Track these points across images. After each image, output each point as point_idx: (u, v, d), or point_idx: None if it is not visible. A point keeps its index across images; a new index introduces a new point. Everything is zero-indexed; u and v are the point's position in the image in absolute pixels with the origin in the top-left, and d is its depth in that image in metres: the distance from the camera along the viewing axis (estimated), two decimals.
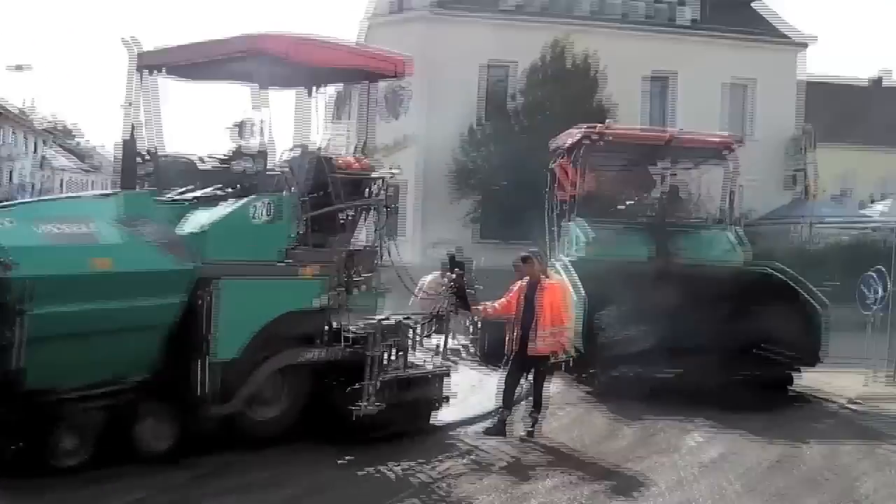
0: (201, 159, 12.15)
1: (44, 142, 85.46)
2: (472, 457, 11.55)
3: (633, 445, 12.46)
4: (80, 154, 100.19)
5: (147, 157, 11.50)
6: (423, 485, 10.27)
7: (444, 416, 13.06)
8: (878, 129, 48.59)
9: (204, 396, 10.17)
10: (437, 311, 13.03)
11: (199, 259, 10.12)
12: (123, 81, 11.44)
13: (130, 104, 11.38)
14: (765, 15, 45.29)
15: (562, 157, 19.87)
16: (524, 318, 12.87)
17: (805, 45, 44.01)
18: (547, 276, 13.56)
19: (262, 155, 10.97)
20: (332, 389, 11.62)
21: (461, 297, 13.14)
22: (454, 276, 13.14)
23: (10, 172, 74.31)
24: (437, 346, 13.21)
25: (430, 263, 27.16)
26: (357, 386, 11.35)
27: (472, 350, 19.75)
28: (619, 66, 37.03)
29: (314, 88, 13.69)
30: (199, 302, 10.11)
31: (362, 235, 12.82)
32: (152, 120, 11.90)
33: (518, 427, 12.79)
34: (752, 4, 45.79)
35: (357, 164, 12.50)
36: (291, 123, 13.32)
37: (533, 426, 12.76)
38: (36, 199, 11.31)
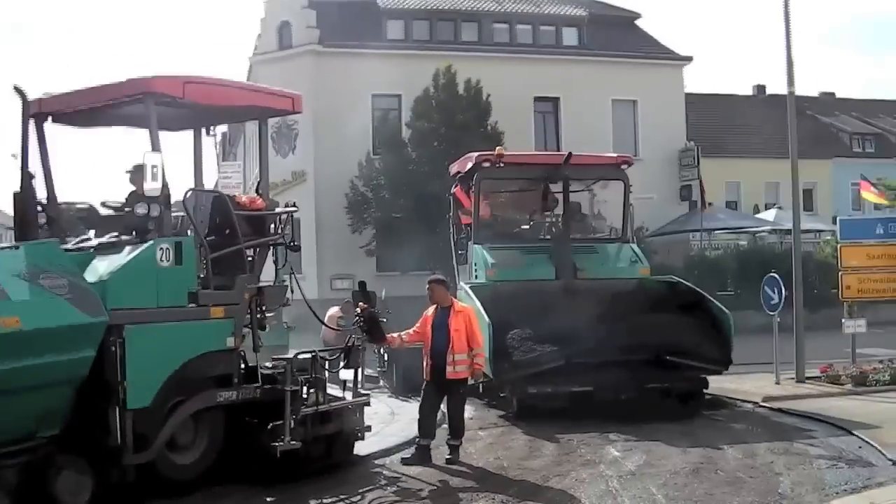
0: (103, 204, 11.92)
1: None
2: (397, 486, 11.48)
3: (554, 462, 12.48)
4: None
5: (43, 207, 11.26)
6: None
7: (363, 447, 12.98)
8: (760, 138, 49.80)
9: (120, 446, 9.93)
10: (349, 344, 12.93)
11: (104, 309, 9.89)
12: (11, 130, 11.19)
13: (14, 156, 11.09)
14: (648, 33, 46.30)
15: (459, 183, 19.98)
16: (436, 344, 12.86)
17: (688, 60, 44.99)
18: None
19: (163, 198, 10.78)
20: (251, 428, 11.46)
21: (372, 328, 13.07)
22: (363, 307, 13.08)
23: None
24: (346, 382, 13.12)
25: (329, 297, 27.17)
26: (276, 423, 11.19)
27: (382, 383, 19.74)
28: (506, 92, 37.42)
29: (209, 128, 13.59)
30: (110, 349, 9.87)
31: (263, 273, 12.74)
32: (45, 168, 11.69)
33: (439, 454, 12.74)
34: (636, 22, 46.72)
35: (259, 202, 12.40)
36: (185, 165, 13.23)
37: (451, 453, 12.74)
38: None
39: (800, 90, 20.52)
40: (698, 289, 17.85)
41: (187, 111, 12.20)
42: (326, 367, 12.49)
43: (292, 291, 12.58)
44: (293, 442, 11.15)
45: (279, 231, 12.62)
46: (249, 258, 12.19)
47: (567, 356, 15.34)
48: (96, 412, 9.91)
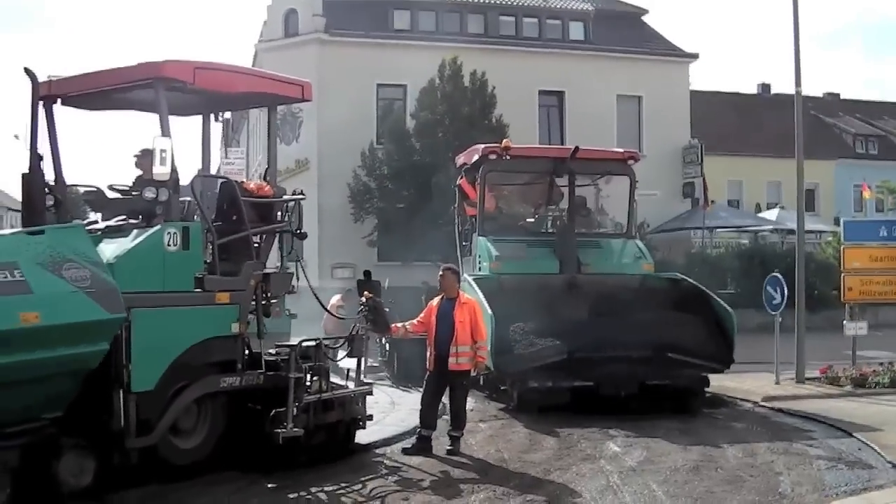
0: (111, 188, 11.93)
1: None
2: (398, 475, 11.49)
3: (555, 456, 12.49)
4: None
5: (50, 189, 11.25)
6: None
7: (364, 436, 13.00)
8: (764, 137, 49.86)
9: (123, 429, 9.94)
10: (353, 333, 12.95)
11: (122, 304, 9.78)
12: (16, 112, 11.17)
13: (17, 136, 11.09)
14: (655, 29, 46.25)
15: (465, 175, 19.99)
16: (440, 334, 12.88)
17: (694, 58, 44.94)
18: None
19: (172, 182, 10.78)
20: (254, 415, 11.47)
21: (376, 318, 13.09)
22: (368, 296, 13.09)
23: None
24: (348, 371, 13.14)
25: (329, 286, 27.18)
26: (279, 410, 11.22)
27: (384, 373, 19.78)
28: (511, 85, 37.43)
29: (217, 114, 13.61)
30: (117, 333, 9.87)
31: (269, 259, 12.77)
32: (54, 151, 11.70)
33: (439, 444, 12.78)
34: (643, 18, 46.67)
35: (267, 189, 12.42)
36: (193, 150, 13.21)
37: (452, 444, 12.75)
38: None
39: (804, 90, 20.53)
40: (702, 286, 17.85)
41: (196, 97, 12.20)
42: (330, 355, 12.50)
43: (297, 279, 12.62)
44: (296, 429, 11.15)
45: (286, 218, 12.64)
46: (256, 245, 12.20)
47: (569, 351, 15.35)
48: (100, 395, 9.90)
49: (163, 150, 10.53)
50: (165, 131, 10.82)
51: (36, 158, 10.50)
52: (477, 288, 16.25)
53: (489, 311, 15.27)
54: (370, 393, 13.14)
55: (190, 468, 10.95)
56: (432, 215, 29.87)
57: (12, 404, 9.18)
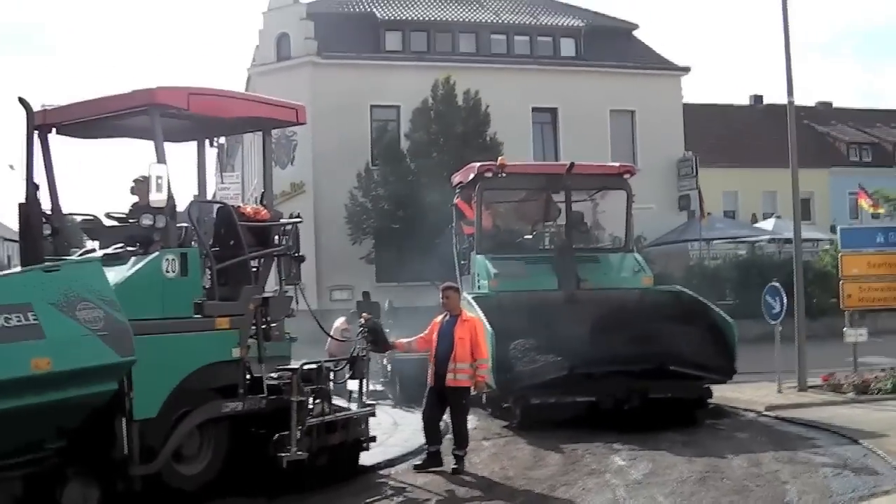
0: (107, 215, 11.92)
1: None
2: (403, 496, 11.47)
3: (560, 471, 12.45)
4: None
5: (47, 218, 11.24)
6: None
7: (368, 458, 12.98)
8: (758, 148, 49.97)
9: (127, 456, 9.91)
10: (354, 355, 12.93)
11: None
12: (10, 141, 11.17)
13: (12, 167, 11.08)
14: (646, 44, 46.40)
15: (461, 194, 20.03)
16: (440, 351, 12.89)
17: (685, 71, 45.07)
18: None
19: (168, 209, 10.78)
20: (257, 439, 11.44)
21: (375, 338, 13.10)
22: (366, 317, 13.09)
23: None
24: (351, 393, 13.12)
25: (328, 308, 27.17)
26: (283, 434, 11.18)
27: (387, 394, 19.76)
28: (504, 103, 37.53)
29: (212, 140, 13.62)
30: None
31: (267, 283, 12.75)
32: (50, 180, 11.71)
33: (445, 462, 12.76)
34: (634, 33, 46.81)
35: (264, 213, 12.43)
36: (188, 176, 13.22)
37: (457, 463, 12.71)
38: None
39: (797, 100, 20.59)
40: (702, 298, 17.84)
41: (191, 122, 12.24)
42: (332, 377, 12.47)
43: (297, 302, 12.60)
44: (299, 452, 11.13)
45: (284, 242, 12.63)
46: (254, 269, 12.19)
47: (570, 366, 15.31)
48: (103, 423, 9.85)
49: (159, 177, 10.52)
50: (161, 158, 10.82)
51: (32, 188, 10.44)
52: (477, 306, 16.22)
53: (489, 328, 15.26)
54: (373, 414, 13.14)
55: (194, 494, 10.90)
56: (429, 235, 29.91)
57: (16, 438, 9.12)
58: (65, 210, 11.97)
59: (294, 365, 11.91)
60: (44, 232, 10.83)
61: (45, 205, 11.18)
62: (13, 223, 11.55)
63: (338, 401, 12.71)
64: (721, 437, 14.84)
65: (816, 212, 52.62)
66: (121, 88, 11.40)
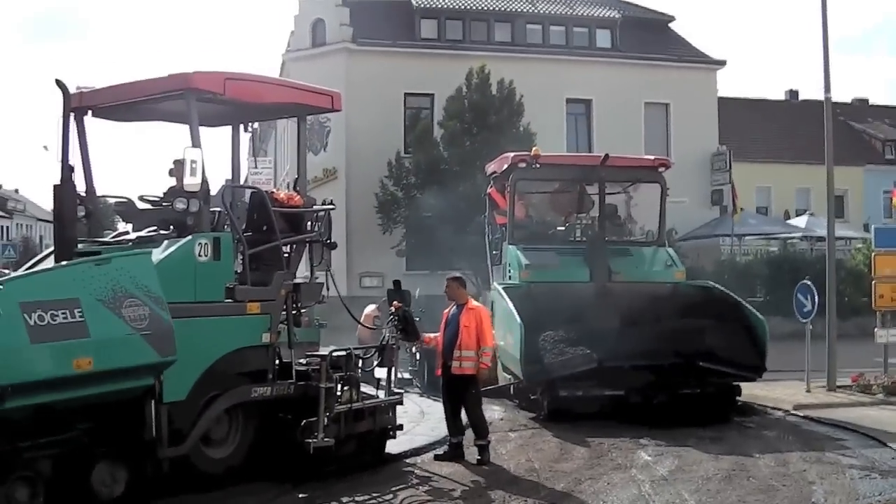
0: (141, 198, 11.97)
1: None
2: (429, 485, 11.48)
3: (586, 465, 12.44)
4: None
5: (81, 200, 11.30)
6: None
7: (394, 446, 12.99)
8: (792, 144, 49.60)
9: (155, 439, 9.97)
10: (384, 343, 12.94)
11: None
12: (46, 122, 11.22)
13: (46, 147, 11.15)
14: (681, 36, 46.16)
15: (494, 184, 20.00)
16: (446, 339, 12.94)
17: (721, 64, 44.80)
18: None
19: (202, 193, 10.82)
20: (285, 425, 11.48)
21: (406, 327, 13.09)
22: (397, 306, 13.09)
23: None
24: (379, 381, 13.14)
25: (357, 295, 27.18)
26: (310, 420, 11.21)
27: (415, 383, 19.77)
28: (538, 93, 37.42)
29: (246, 125, 13.65)
30: None
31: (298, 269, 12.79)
32: (85, 162, 11.79)
33: (470, 454, 12.76)
34: (670, 25, 46.57)
35: (297, 199, 12.45)
36: (222, 160, 13.25)
37: (481, 454, 12.69)
38: (23, 272, 10.71)
39: (832, 96, 20.38)
40: (734, 294, 17.74)
41: (226, 107, 12.25)
42: (361, 364, 12.50)
43: (328, 289, 12.62)
44: (326, 439, 11.15)
45: (316, 228, 12.65)
46: (286, 255, 12.23)
47: (599, 360, 15.27)
48: (132, 405, 9.92)
49: (193, 161, 10.56)
50: (196, 142, 10.86)
51: (67, 170, 10.51)
52: (507, 297, 16.20)
53: (518, 319, 15.23)
54: (400, 403, 13.13)
55: (221, 478, 10.97)
56: (460, 224, 29.88)
57: (46, 424, 9.26)
58: (99, 192, 12.06)
59: (323, 351, 11.95)
60: (78, 214, 10.89)
61: (80, 187, 11.26)
62: (48, 204, 11.61)
63: (366, 388, 12.72)
64: (749, 436, 14.76)
65: (850, 210, 52.14)
66: (154, 73, 11.36)
